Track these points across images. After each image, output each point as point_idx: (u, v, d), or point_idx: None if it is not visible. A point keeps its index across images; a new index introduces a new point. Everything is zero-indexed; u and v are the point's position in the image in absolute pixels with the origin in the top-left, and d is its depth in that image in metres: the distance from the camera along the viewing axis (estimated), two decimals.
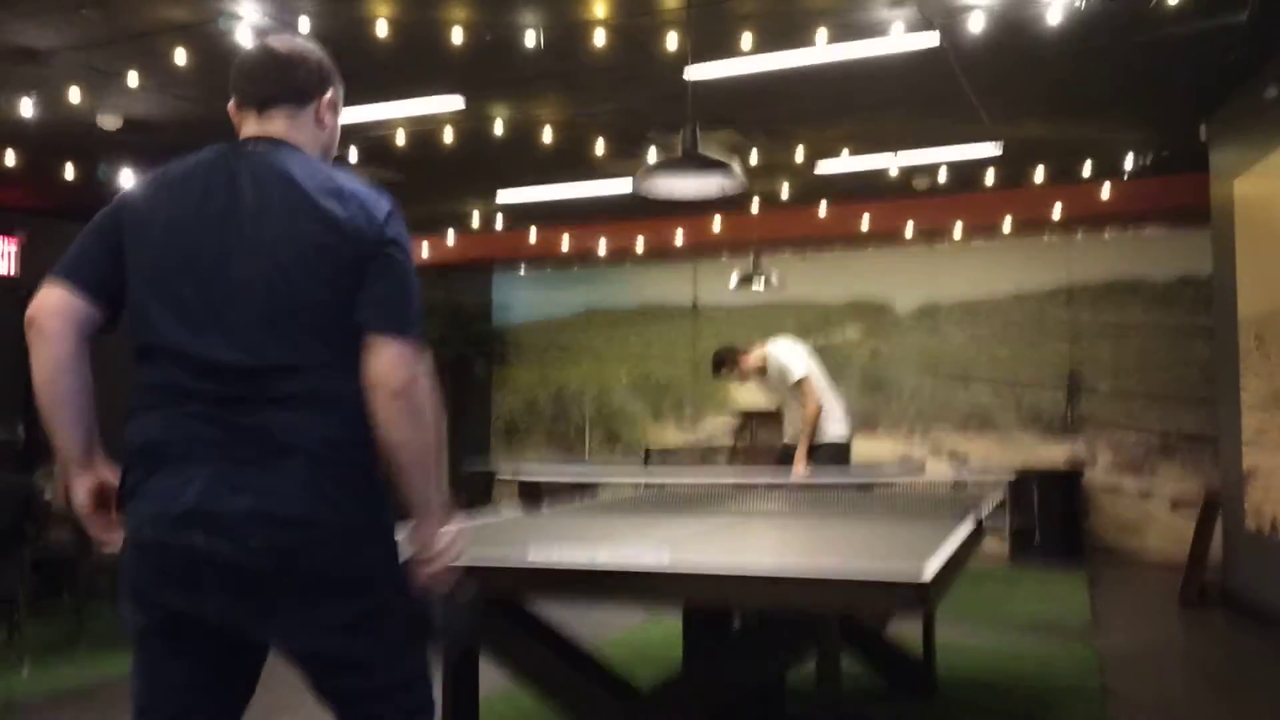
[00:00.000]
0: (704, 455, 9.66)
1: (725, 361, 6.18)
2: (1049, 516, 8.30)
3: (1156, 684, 4.77)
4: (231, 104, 2.07)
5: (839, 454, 5.88)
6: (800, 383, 5.87)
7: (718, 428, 9.99)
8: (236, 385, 1.81)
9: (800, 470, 5.65)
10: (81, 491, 1.91)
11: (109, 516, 1.92)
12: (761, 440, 9.55)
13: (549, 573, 2.57)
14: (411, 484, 1.87)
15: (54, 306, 1.87)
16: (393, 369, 1.82)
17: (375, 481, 1.89)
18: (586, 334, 10.65)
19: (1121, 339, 8.79)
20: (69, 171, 7.51)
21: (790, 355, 6.03)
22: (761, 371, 6.12)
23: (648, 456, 7.58)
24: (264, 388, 1.81)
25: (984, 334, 9.21)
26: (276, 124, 2.00)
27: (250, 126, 2.03)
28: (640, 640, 5.64)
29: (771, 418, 9.61)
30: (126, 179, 7.50)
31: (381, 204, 1.93)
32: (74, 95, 5.89)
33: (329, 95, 2.07)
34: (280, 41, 2.08)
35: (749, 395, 9.85)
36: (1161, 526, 8.52)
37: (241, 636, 1.90)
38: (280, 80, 2.02)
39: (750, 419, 9.75)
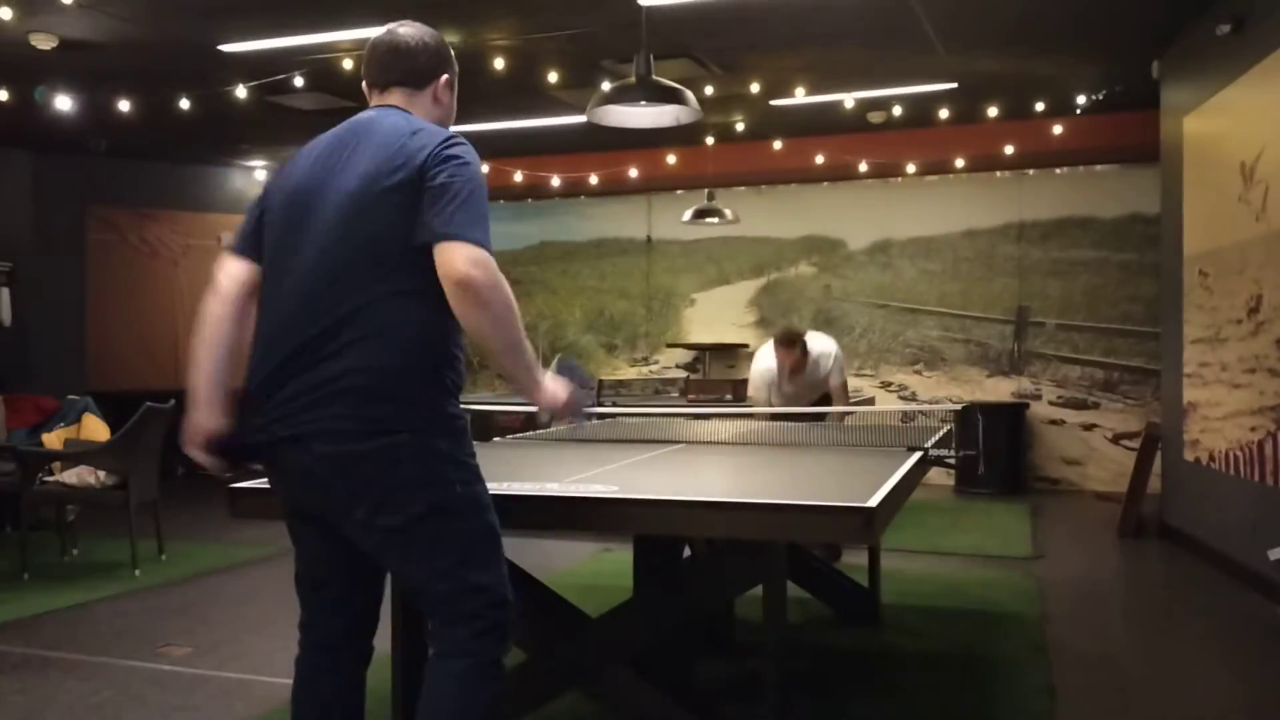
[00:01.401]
0: (657, 389, 9.68)
1: (801, 344, 5.80)
2: (994, 448, 8.45)
3: (1094, 610, 4.90)
4: (364, 84, 2.37)
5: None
6: (841, 385, 5.96)
7: (671, 361, 10.01)
8: (311, 326, 2.08)
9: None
10: (192, 429, 2.21)
11: (210, 456, 2.22)
12: (714, 374, 9.61)
13: (499, 501, 2.56)
14: (502, 367, 2.17)
15: (227, 270, 2.26)
16: (457, 263, 2.00)
17: (426, 402, 2.10)
18: (540, 268, 10.57)
19: (1070, 276, 8.90)
20: (1, 94, 7.25)
21: (838, 352, 6.00)
22: (803, 364, 5.85)
23: (600, 389, 7.58)
24: (331, 330, 2.07)
25: (935, 270, 9.27)
26: (395, 99, 2.30)
27: (374, 100, 2.33)
28: (591, 572, 5.70)
29: (724, 351, 9.66)
30: (63, 103, 7.27)
31: (445, 132, 2.17)
32: (4, 13, 5.66)
33: (445, 78, 2.36)
34: (404, 29, 2.33)
35: (701, 330, 9.86)
36: (1103, 459, 8.71)
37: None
38: (400, 67, 2.30)
39: (703, 353, 9.79)
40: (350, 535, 2.17)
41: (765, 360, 5.94)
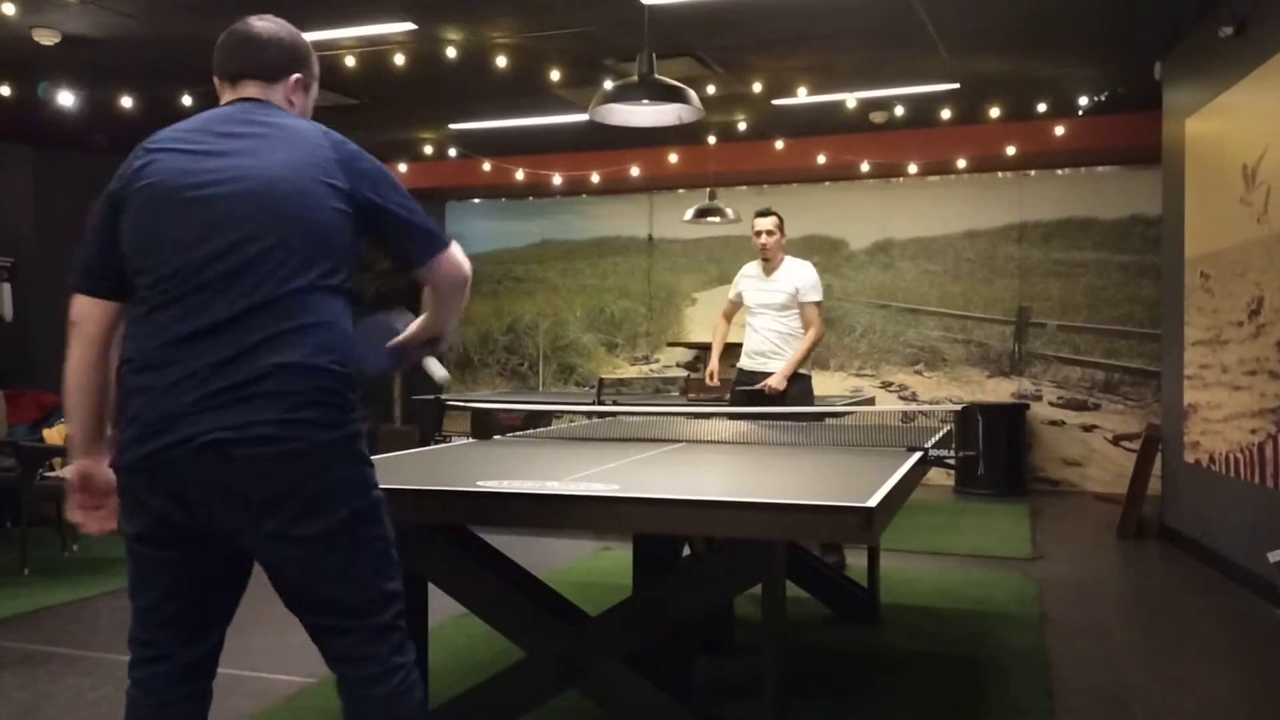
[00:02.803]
0: (658, 388, 9.69)
1: (777, 216, 5.91)
2: (994, 449, 8.45)
3: (1093, 612, 4.90)
4: (215, 80, 2.26)
5: (807, 386, 5.92)
6: (816, 305, 5.81)
7: (672, 360, 10.01)
8: (219, 314, 1.94)
9: (778, 384, 5.62)
10: (74, 472, 2.12)
11: (89, 500, 2.13)
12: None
13: (498, 498, 2.56)
14: (439, 318, 2.27)
15: (86, 312, 2.07)
16: (463, 263, 2.20)
17: (350, 405, 2.03)
18: (541, 266, 10.57)
19: (1071, 277, 8.90)
20: (4, 89, 7.25)
21: (816, 276, 5.90)
22: (777, 262, 5.93)
23: (601, 387, 7.58)
24: (249, 320, 1.94)
25: (936, 270, 9.27)
26: (249, 91, 2.19)
27: (228, 95, 2.22)
28: (591, 570, 5.70)
29: (725, 350, 9.65)
30: (66, 98, 7.27)
31: (347, 140, 2.13)
32: (7, 9, 5.66)
33: (297, 77, 2.23)
34: (259, 21, 2.24)
35: (702, 329, 9.86)
36: (1103, 460, 8.72)
37: (225, 545, 2.04)
38: (249, 57, 2.20)
39: (704, 352, 9.78)
40: (251, 549, 2.03)
41: (745, 268, 6.16)
